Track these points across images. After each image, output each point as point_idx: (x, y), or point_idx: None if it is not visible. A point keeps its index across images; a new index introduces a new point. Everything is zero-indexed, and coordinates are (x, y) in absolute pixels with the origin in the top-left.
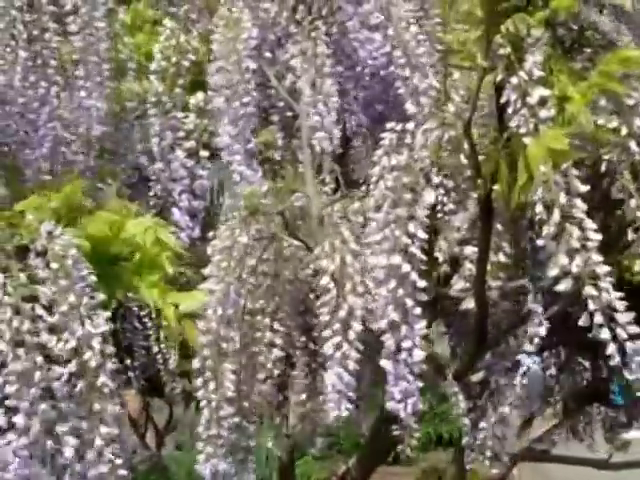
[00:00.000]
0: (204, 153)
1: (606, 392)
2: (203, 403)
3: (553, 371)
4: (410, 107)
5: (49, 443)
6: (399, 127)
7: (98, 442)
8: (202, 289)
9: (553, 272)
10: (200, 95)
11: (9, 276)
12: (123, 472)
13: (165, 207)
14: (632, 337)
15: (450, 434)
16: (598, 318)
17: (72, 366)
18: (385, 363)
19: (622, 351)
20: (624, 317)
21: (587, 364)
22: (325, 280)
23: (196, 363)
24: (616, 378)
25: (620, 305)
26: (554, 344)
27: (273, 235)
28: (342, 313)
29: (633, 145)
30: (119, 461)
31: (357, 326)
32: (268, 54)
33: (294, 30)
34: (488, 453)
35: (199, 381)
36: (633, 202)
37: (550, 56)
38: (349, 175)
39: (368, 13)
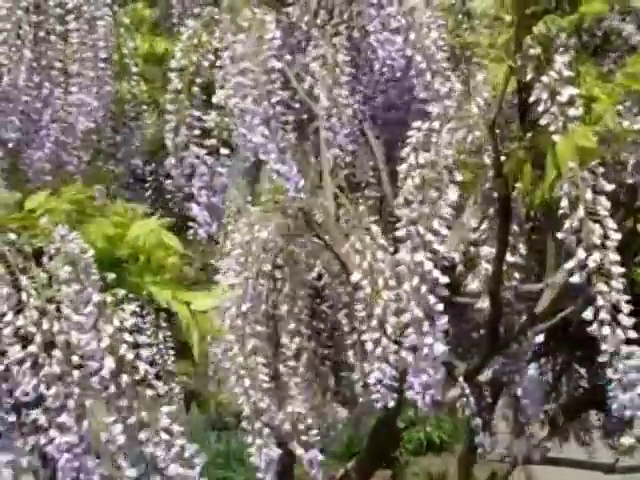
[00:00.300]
0: (224, 150)
1: (603, 398)
2: (242, 399)
3: (551, 376)
4: (432, 109)
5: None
6: (425, 126)
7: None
8: (218, 284)
9: (569, 265)
10: (221, 93)
11: (30, 277)
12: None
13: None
14: (630, 341)
15: (441, 439)
16: (603, 315)
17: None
18: (407, 355)
19: (615, 352)
20: (627, 319)
21: (584, 370)
22: (357, 277)
23: (226, 361)
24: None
25: (626, 308)
26: (552, 350)
27: (294, 231)
28: (378, 310)
29: None
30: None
31: (393, 320)
32: (288, 56)
33: (316, 34)
34: (491, 456)
35: (233, 379)
36: None
37: (577, 59)
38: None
39: (389, 17)
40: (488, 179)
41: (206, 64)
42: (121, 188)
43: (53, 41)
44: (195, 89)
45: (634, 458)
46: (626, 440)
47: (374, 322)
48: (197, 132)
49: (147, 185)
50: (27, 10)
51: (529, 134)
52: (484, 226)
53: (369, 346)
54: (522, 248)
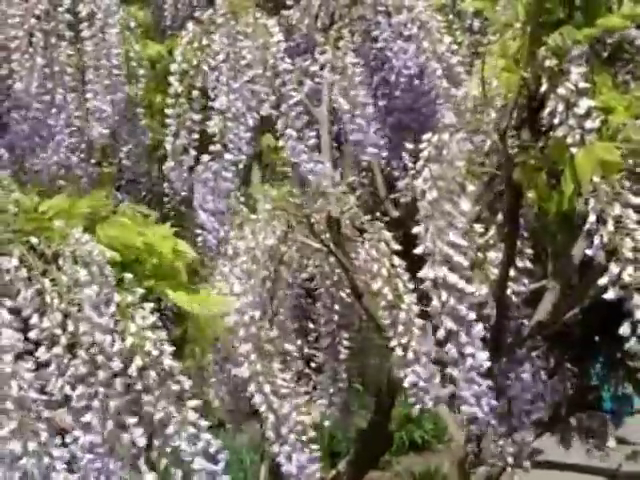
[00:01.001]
0: (229, 156)
1: (597, 399)
2: (263, 408)
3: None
4: (444, 116)
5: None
6: (435, 138)
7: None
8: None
9: (602, 281)
10: (223, 98)
11: (52, 279)
12: None
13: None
14: None
15: (422, 438)
16: None
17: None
18: (452, 370)
19: None
20: None
21: (576, 371)
22: (378, 285)
23: (245, 370)
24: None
25: None
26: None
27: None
28: (402, 315)
29: None
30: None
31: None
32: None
33: (320, 39)
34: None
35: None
36: None
37: (592, 69)
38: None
39: (399, 23)
40: (494, 187)
41: (206, 68)
42: (116, 190)
43: (64, 47)
44: (195, 93)
45: (638, 463)
46: (611, 443)
47: (400, 328)
48: (196, 136)
49: (140, 187)
50: (38, 18)
51: (540, 143)
52: (491, 232)
53: (399, 351)
54: (527, 254)
